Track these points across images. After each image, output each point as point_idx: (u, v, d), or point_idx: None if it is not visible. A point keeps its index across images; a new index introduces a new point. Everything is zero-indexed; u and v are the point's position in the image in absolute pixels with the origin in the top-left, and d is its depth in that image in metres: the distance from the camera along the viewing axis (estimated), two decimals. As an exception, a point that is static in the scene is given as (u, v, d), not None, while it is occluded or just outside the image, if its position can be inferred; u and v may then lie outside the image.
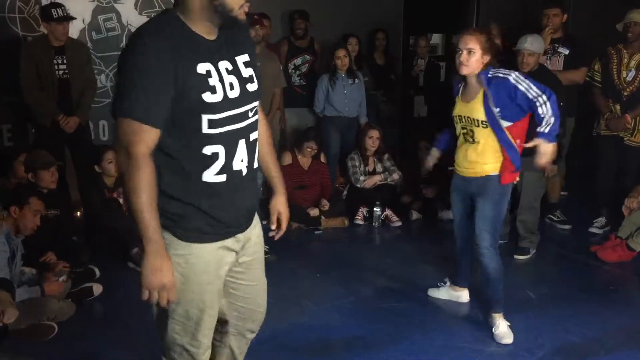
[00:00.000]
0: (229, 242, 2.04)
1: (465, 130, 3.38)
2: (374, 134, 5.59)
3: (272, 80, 5.29)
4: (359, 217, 5.51)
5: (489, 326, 3.48)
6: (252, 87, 1.99)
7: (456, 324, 3.59)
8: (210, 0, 1.82)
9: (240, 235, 2.08)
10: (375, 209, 5.42)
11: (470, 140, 3.35)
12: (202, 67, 1.84)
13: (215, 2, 1.83)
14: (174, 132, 1.86)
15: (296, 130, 6.00)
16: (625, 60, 4.88)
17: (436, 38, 7.67)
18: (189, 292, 1.99)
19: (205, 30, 1.88)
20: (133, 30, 5.57)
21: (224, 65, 1.90)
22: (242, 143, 1.96)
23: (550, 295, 3.96)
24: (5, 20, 5.27)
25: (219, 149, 1.91)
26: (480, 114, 3.25)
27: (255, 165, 2.08)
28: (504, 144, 3.25)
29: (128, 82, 1.78)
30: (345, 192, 5.78)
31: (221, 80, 1.87)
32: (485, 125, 3.25)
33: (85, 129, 5.01)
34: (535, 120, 3.16)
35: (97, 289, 3.85)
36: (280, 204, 2.35)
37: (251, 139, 2.01)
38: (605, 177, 5.12)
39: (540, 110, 3.11)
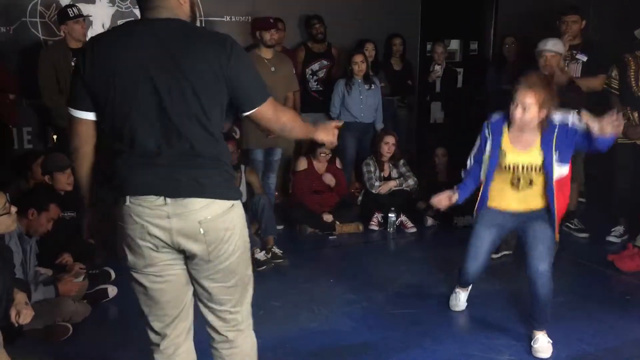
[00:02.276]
0: None
1: (517, 179, 3.26)
2: (390, 139, 5.58)
3: (285, 84, 5.31)
4: (373, 223, 5.50)
5: (501, 335, 3.46)
6: None
7: (468, 332, 3.57)
8: None
9: None
10: (390, 214, 5.41)
11: (528, 186, 3.25)
12: None
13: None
14: None
15: (312, 135, 6.00)
16: (643, 67, 4.81)
17: (454, 44, 7.63)
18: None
19: None
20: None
21: None
22: None
23: (566, 304, 3.91)
24: (26, 25, 5.36)
25: None
26: (539, 160, 3.17)
27: None
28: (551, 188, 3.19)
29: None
30: (360, 198, 5.78)
31: None
32: (541, 171, 3.19)
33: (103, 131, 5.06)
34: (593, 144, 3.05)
35: (112, 291, 3.89)
36: None
37: None
38: (622, 186, 5.06)
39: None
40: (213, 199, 2.07)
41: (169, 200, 2.04)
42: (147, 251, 2.10)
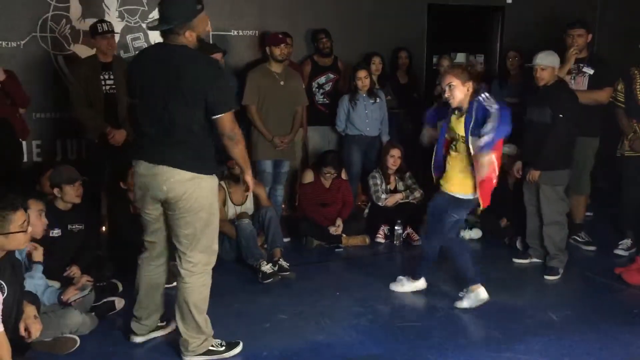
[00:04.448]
0: None
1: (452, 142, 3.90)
2: (396, 152, 5.60)
3: (294, 98, 5.36)
4: (380, 236, 5.51)
5: (508, 348, 3.45)
6: None
7: (475, 345, 3.55)
8: (199, 41, 3.09)
9: None
10: (396, 227, 5.41)
11: (454, 149, 3.88)
12: None
13: (200, 37, 3.09)
14: None
15: (319, 148, 6.03)
16: (648, 80, 4.83)
17: (460, 57, 7.66)
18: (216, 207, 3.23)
19: None
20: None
21: None
22: None
23: (573, 317, 3.90)
24: (37, 39, 5.43)
25: None
26: (461, 130, 3.78)
27: None
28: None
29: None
30: (366, 210, 5.78)
31: None
32: (463, 140, 3.78)
33: (129, 145, 5.10)
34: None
35: (120, 303, 3.90)
36: None
37: None
38: (630, 198, 5.06)
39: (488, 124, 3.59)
40: (175, 168, 3.01)
41: (149, 165, 3.05)
42: (142, 197, 3.19)
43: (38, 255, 3.57)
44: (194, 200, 3.05)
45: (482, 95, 3.67)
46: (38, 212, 3.56)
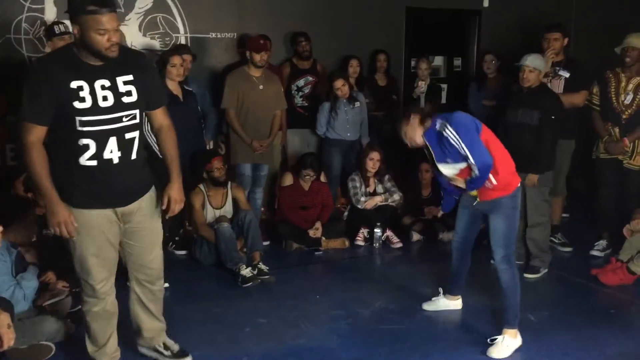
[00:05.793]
0: (108, 211, 2.83)
1: None
2: (375, 155, 5.60)
3: (273, 102, 5.35)
4: (359, 238, 5.51)
5: (487, 348, 3.46)
6: (128, 99, 2.76)
7: (454, 347, 3.57)
8: (83, 44, 2.65)
9: (120, 209, 2.86)
10: (375, 230, 5.42)
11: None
12: (74, 84, 2.65)
13: (85, 45, 2.64)
14: (59, 128, 2.68)
15: (299, 150, 6.02)
16: (623, 83, 4.92)
17: (438, 60, 7.70)
18: (79, 241, 2.82)
19: (91, 58, 2.69)
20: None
21: (100, 82, 2.69)
22: (113, 139, 2.73)
23: (550, 318, 3.94)
24: (10, 42, 5.34)
25: (90, 142, 2.69)
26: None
27: (133, 157, 2.82)
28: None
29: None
30: (346, 213, 5.79)
31: (92, 93, 2.66)
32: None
33: None
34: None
35: (96, 309, 3.84)
36: (172, 189, 2.99)
37: (126, 137, 2.77)
38: (605, 200, 5.13)
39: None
40: None
41: None
42: None
43: (31, 256, 3.52)
44: None
45: (437, 123, 3.45)
46: (33, 217, 3.53)
